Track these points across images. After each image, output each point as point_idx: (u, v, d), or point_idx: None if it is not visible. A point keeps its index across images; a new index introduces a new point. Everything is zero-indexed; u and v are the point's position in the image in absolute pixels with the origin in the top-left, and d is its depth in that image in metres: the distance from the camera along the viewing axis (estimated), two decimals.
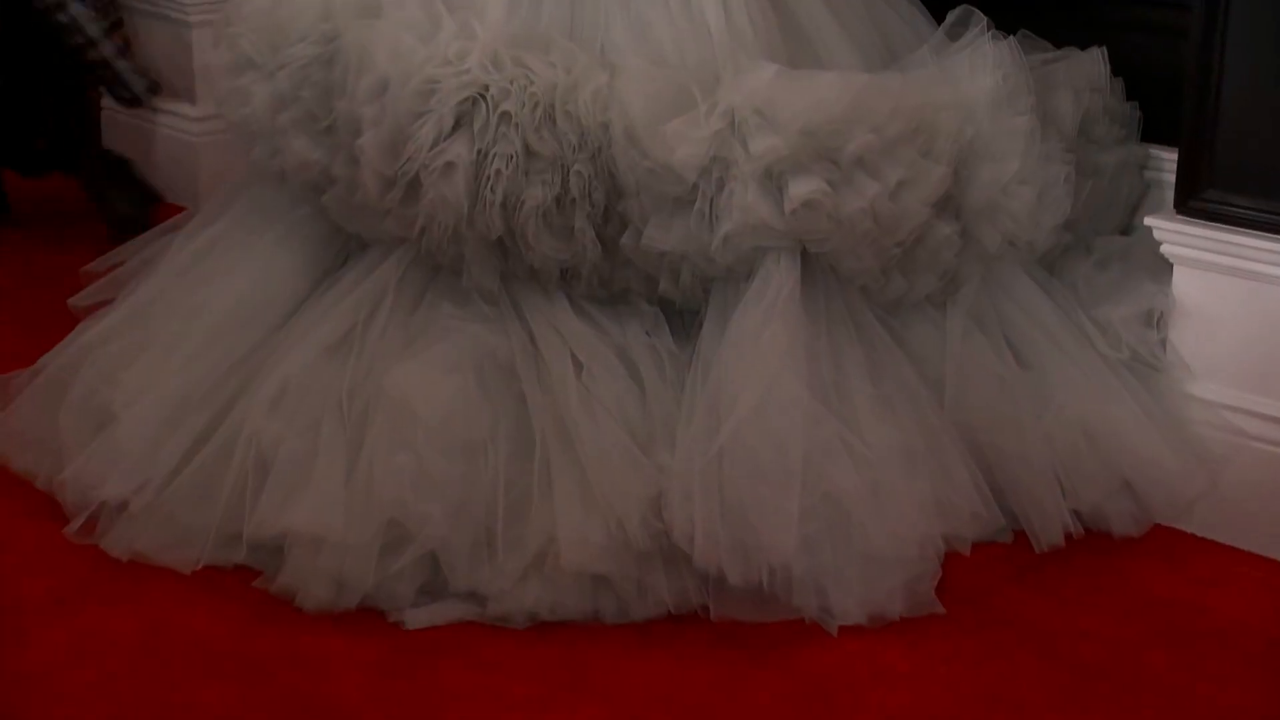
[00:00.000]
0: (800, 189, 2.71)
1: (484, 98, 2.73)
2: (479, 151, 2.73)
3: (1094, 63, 3.17)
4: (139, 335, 3.00)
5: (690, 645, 2.62)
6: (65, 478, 2.86)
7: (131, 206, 4.04)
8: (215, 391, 2.86)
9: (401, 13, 2.83)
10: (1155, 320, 2.99)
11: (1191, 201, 2.90)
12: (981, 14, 3.05)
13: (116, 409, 2.86)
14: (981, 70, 2.93)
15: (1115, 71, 3.21)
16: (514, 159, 2.72)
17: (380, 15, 2.86)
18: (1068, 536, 2.87)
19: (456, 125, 2.74)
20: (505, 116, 2.72)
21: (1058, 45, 3.24)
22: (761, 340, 2.69)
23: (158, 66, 4.21)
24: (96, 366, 2.97)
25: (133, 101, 4.15)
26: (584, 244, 2.78)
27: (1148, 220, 2.97)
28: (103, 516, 2.82)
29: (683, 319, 2.89)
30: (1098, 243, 3.16)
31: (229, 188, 3.28)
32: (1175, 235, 2.91)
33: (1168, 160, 3.14)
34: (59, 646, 2.57)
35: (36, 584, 2.72)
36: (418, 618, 2.65)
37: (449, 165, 2.73)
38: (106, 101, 4.34)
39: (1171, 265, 2.95)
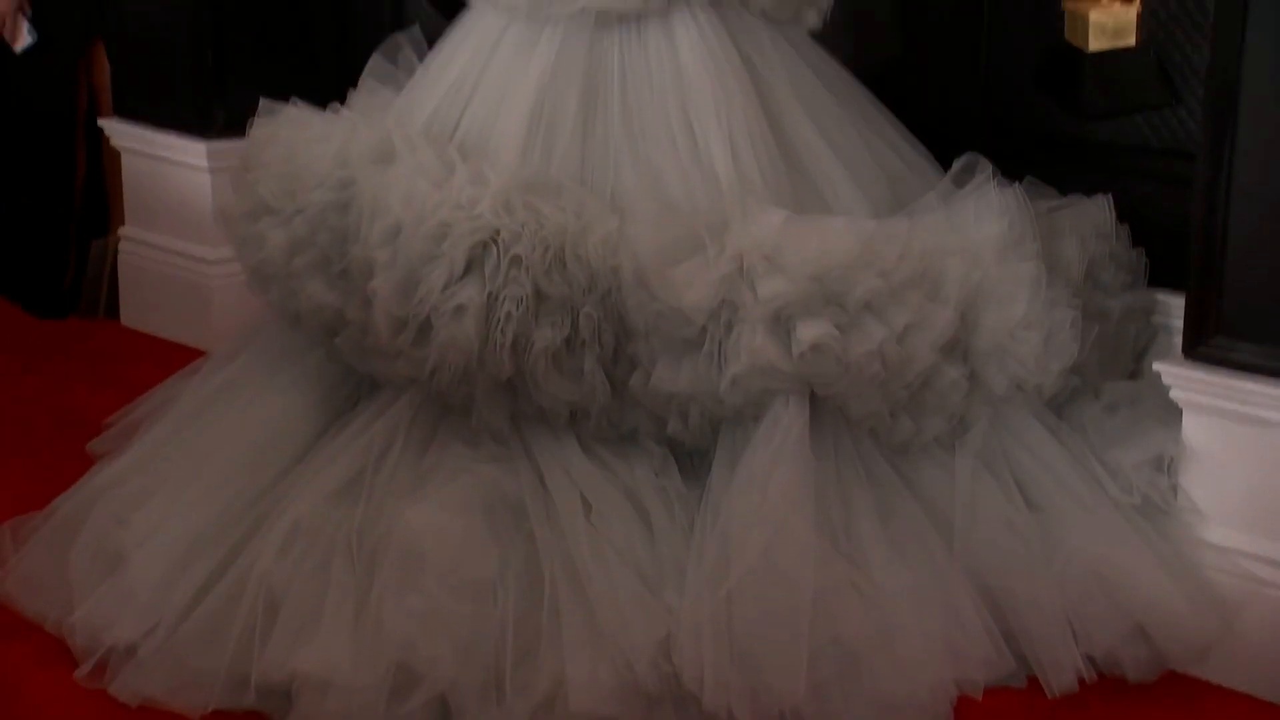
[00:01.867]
0: (808, 332, 2.73)
1: (495, 241, 2.77)
2: (489, 294, 2.75)
3: (1100, 210, 3.20)
4: (151, 476, 2.99)
5: None
6: (75, 620, 2.83)
7: None
8: (227, 532, 2.85)
9: (415, 159, 2.87)
10: (1166, 465, 2.98)
11: (1199, 347, 2.90)
12: (987, 161, 3.08)
13: (127, 550, 2.85)
14: (988, 216, 2.94)
15: (1123, 218, 3.23)
16: (524, 301, 2.74)
17: (395, 161, 2.90)
18: (1081, 682, 2.84)
19: (468, 269, 2.77)
20: (516, 260, 2.75)
21: (1064, 193, 3.26)
22: (770, 483, 2.69)
23: (175, 211, 4.26)
24: (108, 508, 2.96)
25: None
26: (593, 385, 2.80)
27: (1156, 366, 2.97)
28: (112, 660, 2.78)
29: (692, 460, 2.89)
30: (1106, 387, 3.16)
31: (244, 331, 3.30)
32: (1183, 381, 2.91)
33: (1176, 306, 3.15)
34: None
35: None
36: None
37: (459, 308, 2.76)
38: (125, 246, 4.39)
39: (1180, 410, 2.96)
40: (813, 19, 3.10)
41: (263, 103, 3.22)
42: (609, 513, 2.75)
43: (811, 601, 2.59)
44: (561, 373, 2.79)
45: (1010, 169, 3.16)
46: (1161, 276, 3.25)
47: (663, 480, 2.82)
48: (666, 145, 2.89)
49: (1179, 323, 3.00)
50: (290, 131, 3.10)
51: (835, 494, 2.77)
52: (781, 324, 2.74)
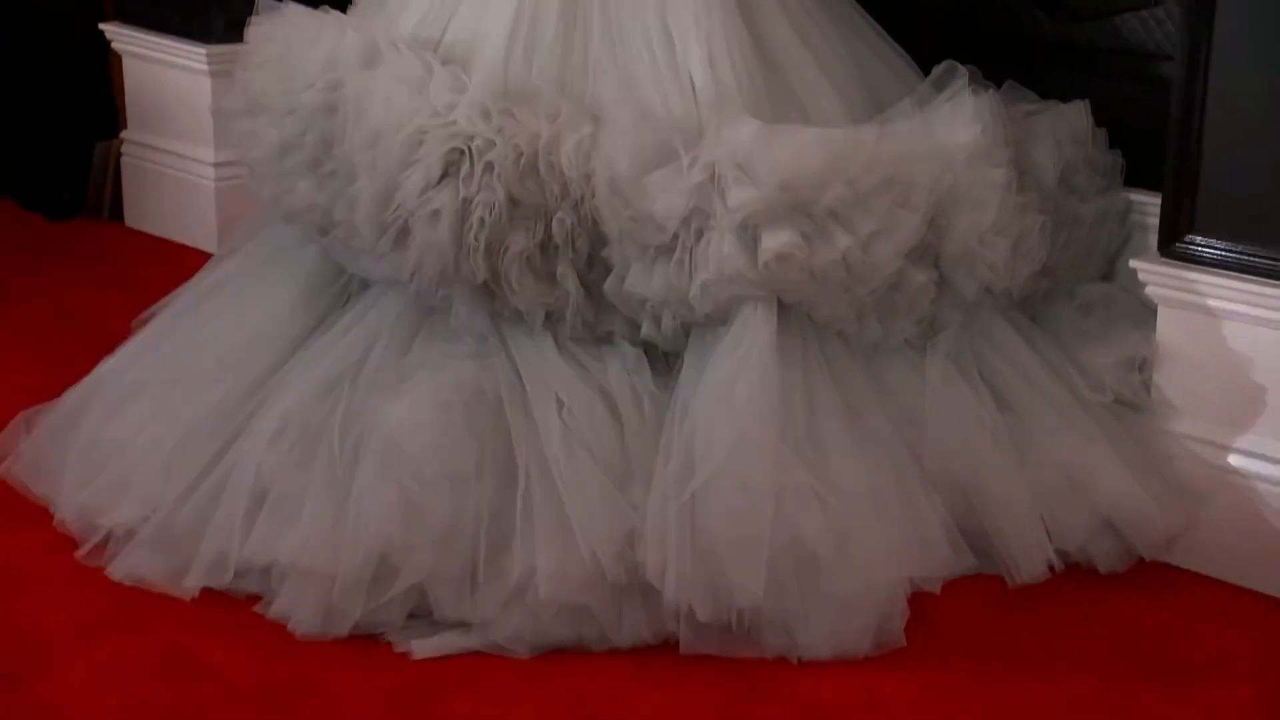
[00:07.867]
0: (773, 241, 2.76)
1: (469, 148, 2.80)
2: (464, 200, 2.80)
3: (1077, 115, 3.22)
4: (150, 367, 3.07)
5: (693, 675, 2.65)
6: (74, 504, 2.92)
7: None
8: (222, 423, 2.92)
9: (398, 63, 2.89)
10: (1138, 365, 3.03)
11: (1174, 245, 2.96)
12: (964, 68, 3.09)
13: (124, 438, 2.93)
14: (962, 122, 2.96)
15: (1101, 118, 3.26)
16: (497, 207, 2.79)
17: (380, 65, 2.91)
18: (1053, 570, 2.90)
19: (444, 174, 2.81)
20: (489, 166, 2.78)
21: (1044, 96, 3.29)
22: (735, 390, 2.73)
23: (176, 115, 4.30)
24: (107, 397, 3.05)
25: None
26: (567, 289, 2.85)
27: (1132, 263, 3.02)
28: (111, 545, 2.88)
29: (667, 359, 2.93)
30: (1080, 289, 3.21)
31: (244, 228, 3.35)
32: (1158, 277, 2.98)
33: (1151, 205, 3.20)
34: (82, 676, 2.61)
35: (60, 616, 2.77)
36: (425, 647, 2.70)
37: (435, 213, 2.81)
38: (128, 149, 4.43)
39: (1152, 310, 3.01)
40: None
41: (261, 1, 3.22)
42: (581, 410, 2.80)
43: (772, 505, 2.63)
44: (536, 277, 2.82)
45: (991, 72, 3.19)
46: (1140, 177, 3.29)
47: (634, 378, 2.87)
48: (644, 54, 2.90)
49: (1155, 221, 3.05)
50: (286, 30, 3.11)
51: (800, 399, 2.80)
52: (749, 233, 2.76)
